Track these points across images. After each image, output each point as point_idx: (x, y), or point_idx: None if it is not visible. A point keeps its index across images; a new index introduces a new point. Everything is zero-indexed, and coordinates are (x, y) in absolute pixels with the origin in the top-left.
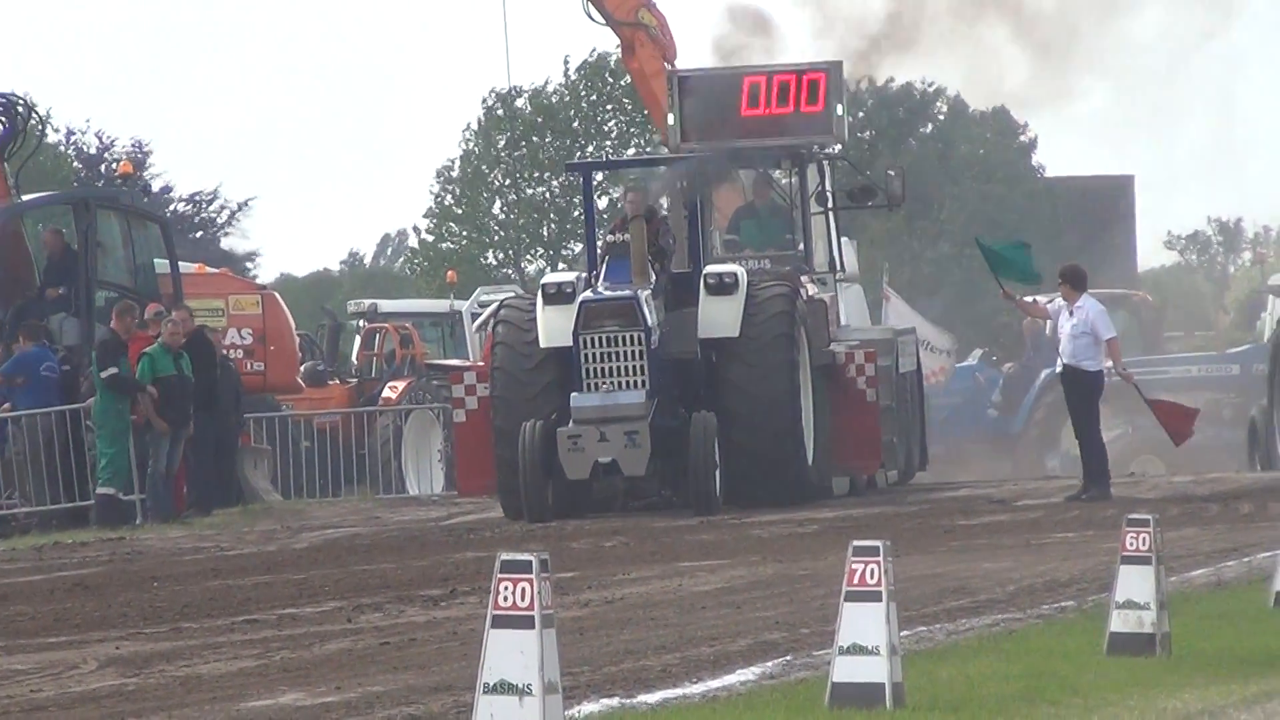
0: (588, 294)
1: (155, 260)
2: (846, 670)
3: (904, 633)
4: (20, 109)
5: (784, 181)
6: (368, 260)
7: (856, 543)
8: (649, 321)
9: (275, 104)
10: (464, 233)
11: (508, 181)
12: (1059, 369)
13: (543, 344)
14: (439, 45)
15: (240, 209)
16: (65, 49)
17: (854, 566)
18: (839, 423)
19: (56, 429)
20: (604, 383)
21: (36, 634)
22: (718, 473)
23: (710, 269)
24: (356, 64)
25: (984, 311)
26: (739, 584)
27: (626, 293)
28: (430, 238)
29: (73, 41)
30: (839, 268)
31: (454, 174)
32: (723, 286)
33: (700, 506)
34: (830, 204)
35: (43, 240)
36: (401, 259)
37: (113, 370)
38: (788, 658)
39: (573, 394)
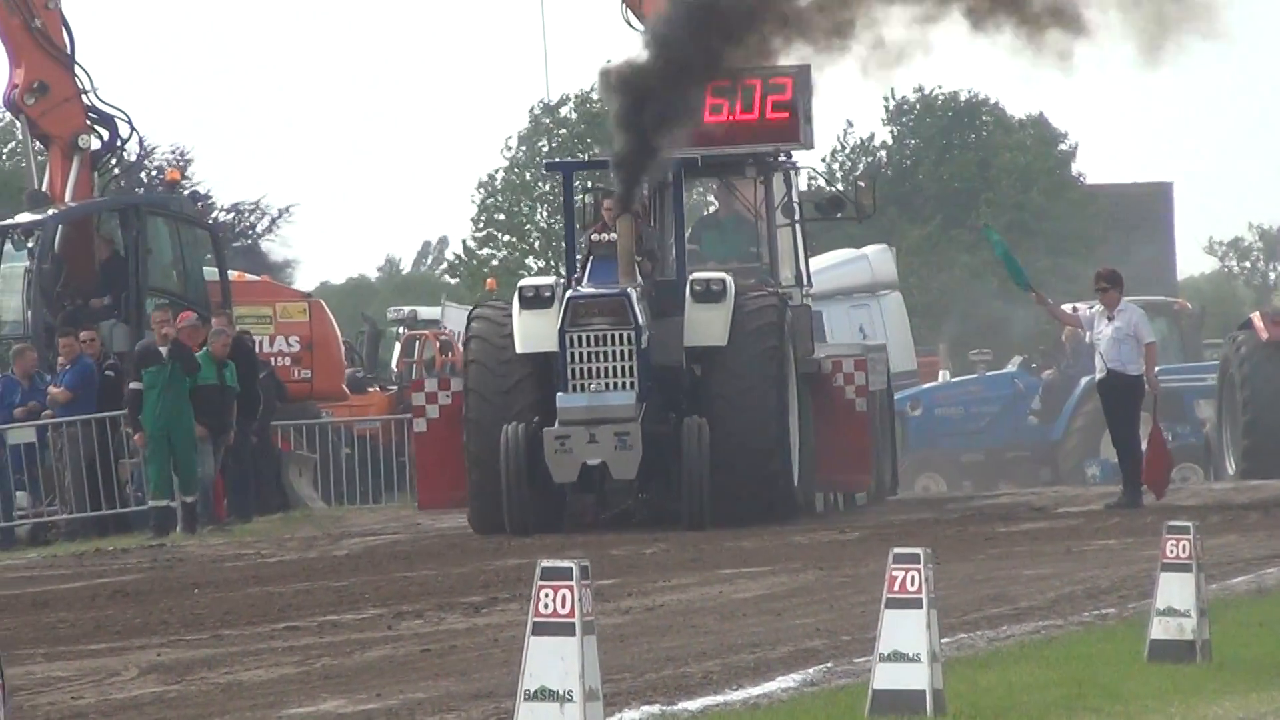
0: (575, 290)
1: (205, 268)
2: (887, 677)
3: (945, 640)
4: (123, 125)
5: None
6: (406, 267)
7: (897, 550)
8: (640, 320)
9: (311, 111)
10: (506, 239)
11: (548, 188)
12: (1099, 375)
13: (519, 349)
14: (479, 53)
15: (280, 216)
16: (105, 57)
17: (895, 573)
18: (825, 435)
19: (98, 436)
20: (591, 383)
21: (77, 641)
22: (709, 482)
23: (697, 275)
24: (394, 71)
25: (1023, 318)
26: (780, 591)
27: (617, 290)
28: (474, 244)
29: (112, 50)
30: (805, 282)
31: (497, 183)
32: (710, 294)
33: (692, 519)
34: (797, 215)
35: (99, 243)
36: (442, 266)
37: (133, 385)
38: (828, 665)
39: (558, 394)
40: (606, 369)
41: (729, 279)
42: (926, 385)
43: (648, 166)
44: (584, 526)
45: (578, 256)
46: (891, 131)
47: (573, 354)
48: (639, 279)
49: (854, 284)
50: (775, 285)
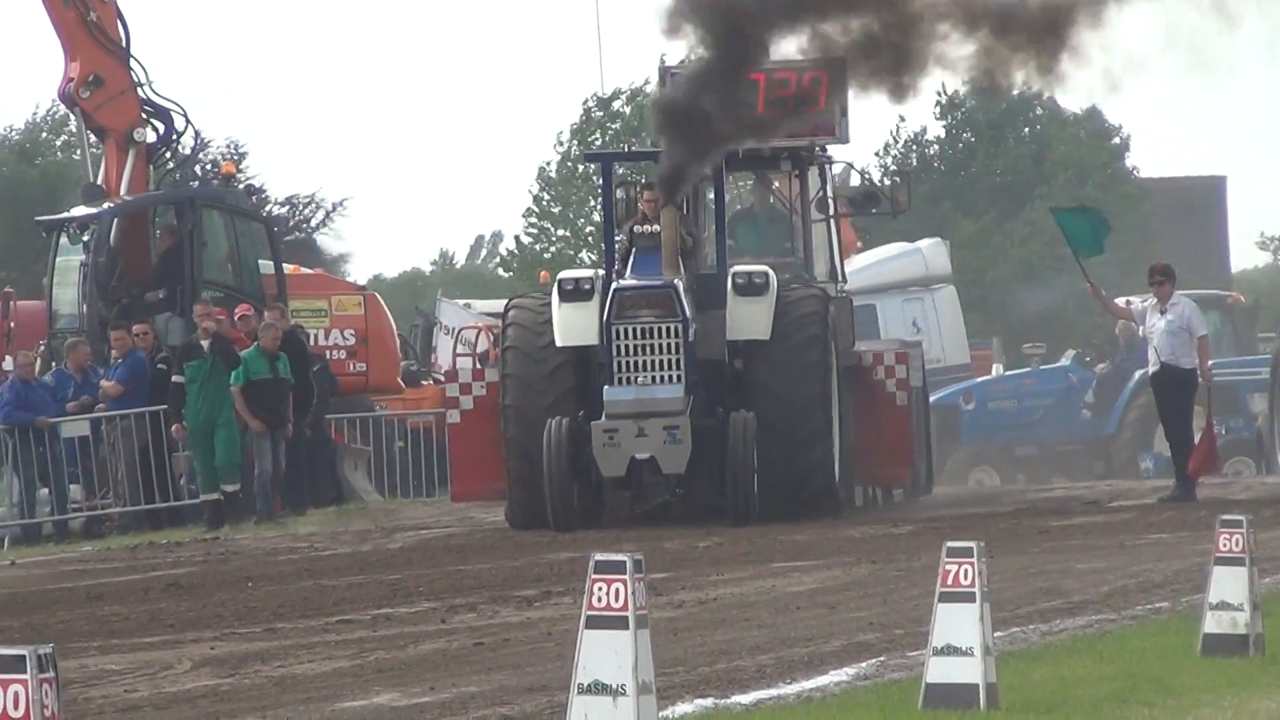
0: (622, 281)
1: (260, 261)
2: (940, 671)
3: (998, 633)
4: (178, 119)
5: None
6: (459, 261)
7: (950, 543)
8: (687, 312)
9: (365, 105)
10: (560, 232)
11: (601, 181)
12: (1153, 368)
13: (559, 343)
14: (533, 47)
15: (335, 209)
16: (160, 50)
17: (948, 567)
18: (866, 429)
19: (151, 429)
20: (638, 376)
21: (131, 634)
22: (756, 477)
23: (739, 268)
24: (448, 65)
25: (1077, 312)
26: (833, 585)
27: (663, 281)
28: (529, 239)
29: (167, 43)
30: (840, 278)
31: (549, 175)
32: (752, 287)
33: (739, 514)
34: (832, 211)
35: (155, 236)
36: (495, 260)
37: (175, 379)
38: (882, 658)
39: (605, 387)
40: (653, 362)
41: (771, 272)
42: (980, 379)
43: (698, 158)
44: (620, 522)
45: (616, 245)
46: (945, 125)
47: (619, 346)
48: (681, 271)
49: (907, 277)
50: (810, 281)
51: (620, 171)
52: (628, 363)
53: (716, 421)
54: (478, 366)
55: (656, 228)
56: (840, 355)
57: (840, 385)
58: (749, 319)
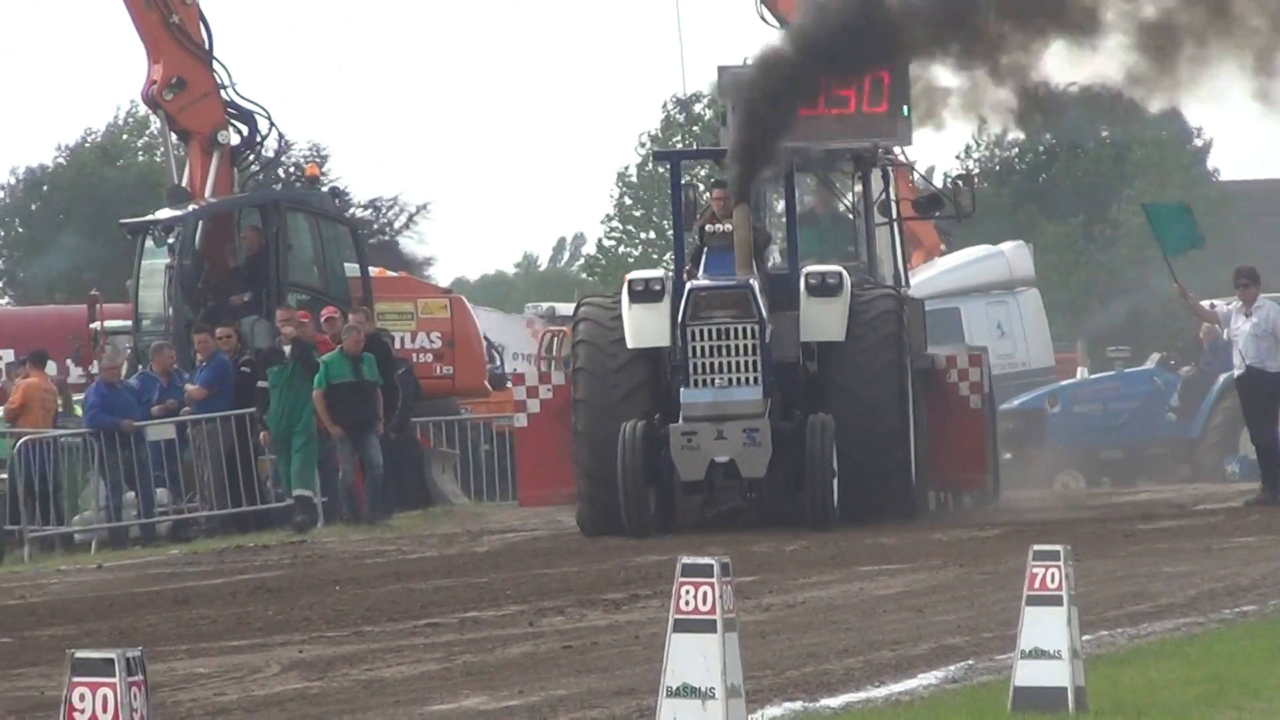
0: (697, 282)
1: (345, 264)
2: (1028, 674)
3: (1085, 637)
4: (262, 121)
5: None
6: (543, 263)
7: (1037, 547)
8: (763, 313)
9: (448, 107)
10: (645, 235)
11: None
12: (1238, 371)
13: (630, 344)
14: (615, 49)
15: (418, 213)
16: (243, 54)
17: (1035, 571)
18: (940, 433)
19: (236, 432)
20: (715, 378)
21: (219, 637)
22: (835, 481)
23: (811, 268)
24: (531, 68)
25: (1161, 315)
26: (920, 588)
27: (739, 281)
28: (611, 242)
29: (251, 46)
30: (903, 282)
31: (631, 179)
32: (826, 288)
33: (818, 518)
34: (894, 214)
35: (242, 238)
36: (578, 262)
37: (260, 384)
38: (969, 662)
39: (682, 389)
40: (730, 363)
41: (844, 272)
42: (1065, 382)
43: (769, 156)
44: (693, 526)
45: (686, 245)
46: (1026, 128)
47: (695, 348)
48: (755, 271)
49: (991, 280)
50: (874, 285)
51: (704, 174)
52: (704, 364)
53: (794, 424)
54: (543, 370)
55: (728, 226)
56: (913, 358)
57: (914, 388)
58: (823, 320)
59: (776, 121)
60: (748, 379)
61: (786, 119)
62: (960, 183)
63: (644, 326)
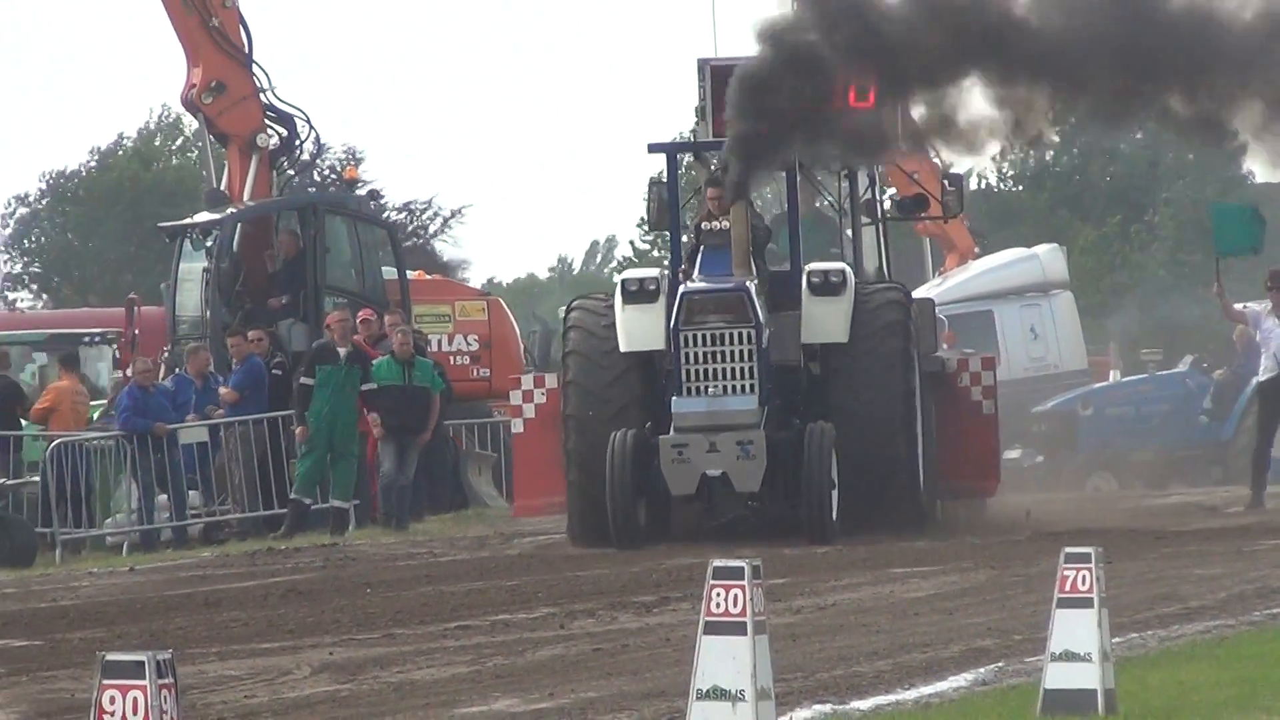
0: (690, 284)
1: (383, 267)
2: (1059, 677)
3: (1116, 639)
4: (300, 124)
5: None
6: (576, 267)
7: (1068, 549)
8: (760, 317)
9: (482, 111)
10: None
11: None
12: (1268, 374)
13: (623, 348)
14: (648, 54)
15: (453, 216)
16: (279, 57)
17: (1065, 573)
18: (950, 438)
19: (269, 435)
20: (709, 385)
21: (250, 640)
22: (834, 493)
23: (814, 266)
24: (565, 72)
25: (1195, 317)
26: (950, 590)
27: (734, 284)
28: (645, 246)
29: (286, 49)
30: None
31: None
32: (829, 286)
33: (815, 533)
34: (879, 214)
35: (279, 241)
36: (611, 265)
37: (303, 380)
38: (1000, 664)
39: (673, 398)
40: (725, 370)
41: (848, 269)
42: (1097, 385)
43: (771, 151)
44: (690, 536)
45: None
46: (1058, 131)
47: (688, 354)
48: (753, 271)
49: (1025, 283)
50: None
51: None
52: (697, 371)
53: (792, 434)
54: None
55: (725, 224)
56: (922, 360)
57: (923, 392)
58: (825, 320)
59: (781, 116)
60: (743, 387)
61: (794, 113)
62: (948, 183)
63: (637, 329)
